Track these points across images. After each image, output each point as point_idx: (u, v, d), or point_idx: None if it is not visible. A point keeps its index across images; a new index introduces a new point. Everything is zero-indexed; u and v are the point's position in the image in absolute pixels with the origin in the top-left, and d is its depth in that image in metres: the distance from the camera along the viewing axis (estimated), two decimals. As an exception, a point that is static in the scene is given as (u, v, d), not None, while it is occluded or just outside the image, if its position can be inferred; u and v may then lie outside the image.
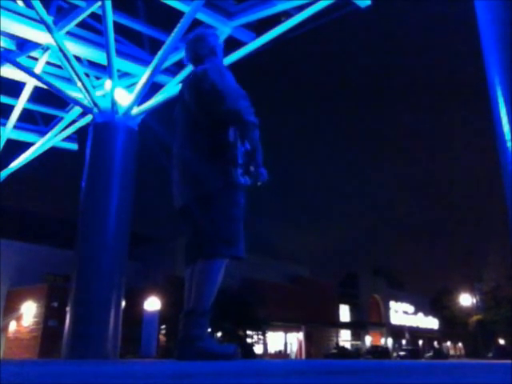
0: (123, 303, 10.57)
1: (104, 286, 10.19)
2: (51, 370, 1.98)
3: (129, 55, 12.43)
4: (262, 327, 29.22)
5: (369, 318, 47.33)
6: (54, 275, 24.34)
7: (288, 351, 37.51)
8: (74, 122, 15.02)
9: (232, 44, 11.65)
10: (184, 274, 3.13)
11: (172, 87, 12.15)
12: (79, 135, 15.86)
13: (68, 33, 11.20)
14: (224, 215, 2.91)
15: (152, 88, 11.96)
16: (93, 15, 11.31)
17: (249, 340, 28.48)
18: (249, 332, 28.75)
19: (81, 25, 11.47)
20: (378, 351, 39.58)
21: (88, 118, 13.68)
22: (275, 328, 34.13)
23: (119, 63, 11.79)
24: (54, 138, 15.11)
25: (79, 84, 11.49)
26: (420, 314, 55.90)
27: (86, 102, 11.69)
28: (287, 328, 36.54)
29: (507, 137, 5.70)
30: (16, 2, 11.04)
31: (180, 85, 3.50)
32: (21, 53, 11.92)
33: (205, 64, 3.21)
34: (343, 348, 39.36)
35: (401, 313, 53.05)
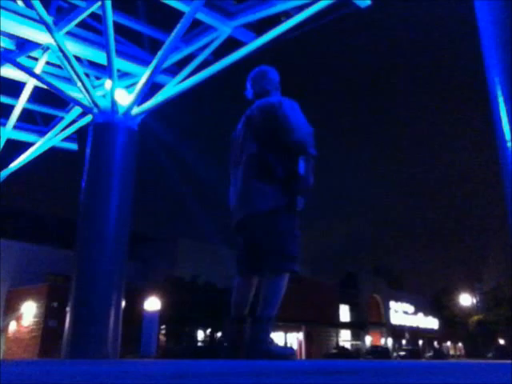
0: (123, 303, 10.56)
1: (104, 286, 10.17)
2: (51, 370, 1.98)
3: (129, 55, 12.42)
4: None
5: (369, 318, 47.30)
6: (55, 275, 24.32)
7: (288, 351, 37.46)
8: (74, 122, 14.99)
9: (232, 44, 11.65)
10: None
11: (172, 87, 12.15)
12: (79, 135, 15.85)
13: (68, 33, 11.19)
14: (291, 234, 3.30)
15: (152, 88, 11.95)
16: (93, 15, 11.30)
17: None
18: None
19: (81, 25, 11.47)
20: (378, 351, 39.57)
21: (88, 118, 13.66)
22: (275, 328, 34.05)
23: (119, 63, 11.78)
24: (54, 137, 15.10)
25: (79, 84, 11.48)
26: (420, 314, 55.88)
27: (86, 102, 11.68)
28: (287, 328, 36.53)
29: (507, 137, 5.69)
30: (16, 2, 11.04)
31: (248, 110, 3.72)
32: (21, 53, 11.91)
33: (270, 97, 3.58)
34: (343, 348, 39.37)
35: (401, 313, 53.04)
